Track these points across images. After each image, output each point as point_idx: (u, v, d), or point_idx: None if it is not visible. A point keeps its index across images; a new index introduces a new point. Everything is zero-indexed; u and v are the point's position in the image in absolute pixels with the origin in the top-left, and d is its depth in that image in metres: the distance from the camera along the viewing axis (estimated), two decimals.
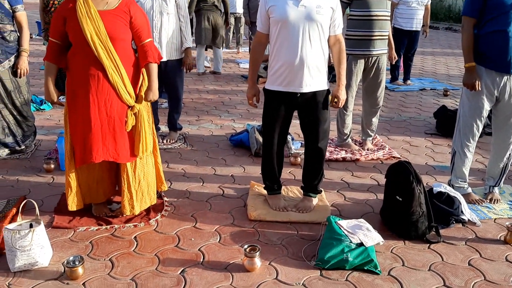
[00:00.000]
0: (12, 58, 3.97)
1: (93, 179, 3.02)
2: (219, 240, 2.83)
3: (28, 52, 4.06)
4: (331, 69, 3.29)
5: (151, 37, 2.94)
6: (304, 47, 2.85)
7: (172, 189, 3.46)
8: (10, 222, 2.83)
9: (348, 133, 4.44)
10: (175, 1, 4.16)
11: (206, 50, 8.55)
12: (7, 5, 3.88)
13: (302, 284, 2.42)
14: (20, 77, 4.05)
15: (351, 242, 2.60)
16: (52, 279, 2.42)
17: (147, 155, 3.02)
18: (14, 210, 3.03)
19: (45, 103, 5.68)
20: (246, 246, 2.57)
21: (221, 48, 8.12)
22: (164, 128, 4.84)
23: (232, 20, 10.03)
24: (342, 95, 3.05)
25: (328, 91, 3.05)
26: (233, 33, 11.05)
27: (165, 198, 3.35)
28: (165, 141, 4.53)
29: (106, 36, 2.73)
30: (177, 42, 4.26)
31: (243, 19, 10.27)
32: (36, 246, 2.46)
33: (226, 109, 5.96)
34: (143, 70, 2.95)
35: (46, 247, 2.53)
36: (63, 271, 2.47)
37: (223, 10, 7.93)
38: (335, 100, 3.06)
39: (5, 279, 2.41)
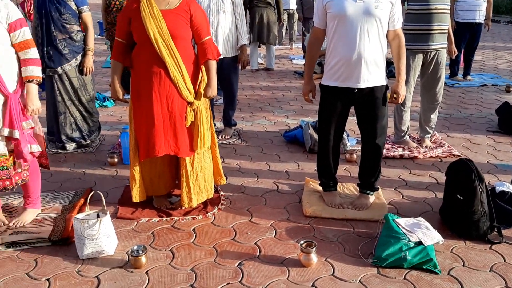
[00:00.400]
0: (79, 57, 4.18)
1: (155, 173, 3.14)
2: (275, 235, 2.87)
3: (93, 51, 4.26)
4: (387, 64, 3.24)
5: (210, 35, 3.01)
6: (362, 42, 2.83)
7: (227, 184, 3.53)
8: (78, 212, 3.01)
9: (406, 130, 4.35)
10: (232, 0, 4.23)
11: (259, 47, 8.61)
12: (74, 7, 4.09)
13: (359, 281, 2.41)
14: (86, 75, 4.26)
15: (409, 240, 2.56)
16: (117, 267, 2.54)
17: (205, 150, 3.10)
18: (81, 201, 3.22)
19: (108, 99, 5.95)
20: (302, 242, 2.59)
21: (274, 45, 8.15)
22: (219, 124, 4.94)
23: (285, 16, 10.03)
24: (402, 90, 3.00)
25: (386, 86, 3.01)
26: (286, 29, 11.05)
27: (221, 192, 3.43)
28: (220, 137, 4.62)
29: (168, 35, 2.83)
30: (233, 39, 4.33)
31: (296, 16, 10.25)
32: (102, 235, 2.59)
33: (279, 105, 5.99)
34: (202, 67, 3.03)
35: (112, 237, 2.66)
36: (127, 259, 2.60)
37: (276, 7, 7.96)
38: (395, 95, 3.02)
39: (75, 266, 2.56)
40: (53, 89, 4.17)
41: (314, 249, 2.53)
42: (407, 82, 4.01)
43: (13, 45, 2.73)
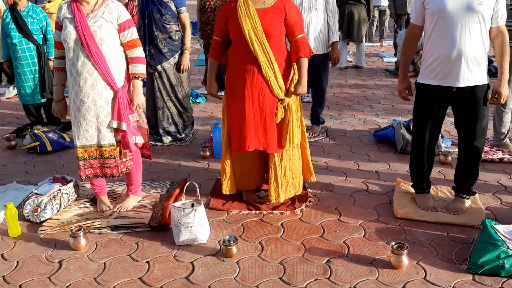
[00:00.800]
0: (177, 56, 4.41)
1: (245, 167, 3.24)
2: (364, 234, 2.84)
3: (190, 50, 4.47)
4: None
5: (304, 33, 3.04)
6: (463, 39, 2.71)
7: (315, 182, 3.53)
8: (174, 201, 3.20)
9: (506, 132, 4.08)
10: None
11: (348, 44, 8.49)
12: (173, 8, 4.33)
13: (453, 287, 2.32)
14: (182, 73, 4.49)
15: (508, 248, 2.42)
16: (210, 255, 2.67)
17: (294, 147, 3.14)
18: (177, 191, 3.41)
19: (200, 96, 6.21)
20: (393, 243, 2.54)
21: (364, 42, 7.98)
22: (307, 122, 4.95)
23: (375, 13, 9.79)
24: (504, 90, 2.82)
25: (487, 86, 2.85)
26: (377, 26, 10.78)
27: (309, 190, 3.45)
28: (307, 135, 4.63)
29: (262, 33, 2.90)
30: (324, 37, 4.33)
31: (387, 12, 9.96)
32: (197, 223, 2.73)
33: (369, 103, 5.88)
34: (294, 64, 3.07)
35: (205, 225, 2.80)
36: (219, 248, 2.71)
37: (366, 4, 7.79)
38: (496, 96, 2.85)
39: (171, 251, 2.73)
40: (153, 86, 4.45)
41: (405, 251, 2.47)
42: (509, 81, 3.75)
43: (121, 44, 2.96)
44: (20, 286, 2.44)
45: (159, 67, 4.34)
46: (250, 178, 3.29)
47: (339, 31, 7.61)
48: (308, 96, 5.66)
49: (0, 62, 6.52)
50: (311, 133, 4.67)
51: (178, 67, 4.45)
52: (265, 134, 3.03)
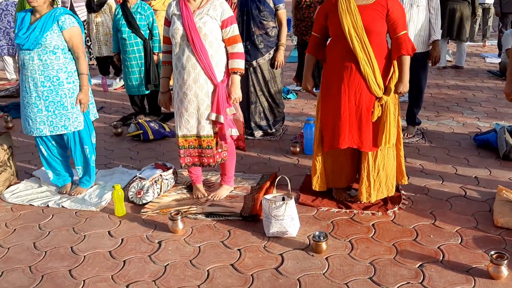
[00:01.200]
0: (272, 51, 4.49)
1: (337, 165, 3.23)
2: (461, 241, 2.71)
3: (285, 46, 4.53)
4: None
5: (406, 30, 2.96)
6: None
7: (409, 184, 3.43)
8: (265, 193, 3.28)
9: None
10: None
11: (448, 43, 8.06)
12: (271, 4, 4.41)
13: None
14: (276, 68, 4.56)
15: None
16: (299, 249, 2.71)
17: (389, 147, 3.07)
18: (268, 184, 3.49)
19: (291, 92, 6.27)
20: (492, 253, 2.41)
21: (466, 41, 7.54)
22: (402, 122, 4.80)
23: (479, 11, 9.19)
24: None
25: None
26: (479, 25, 10.12)
27: (403, 192, 3.36)
28: (402, 135, 4.50)
29: (362, 29, 2.87)
30: (424, 34, 4.17)
31: (492, 10, 9.33)
32: (287, 217, 2.78)
33: (469, 106, 5.56)
34: (394, 62, 3.00)
35: (295, 220, 2.84)
36: (308, 243, 2.74)
37: (470, 1, 7.34)
38: None
39: (261, 241, 2.80)
40: (247, 80, 4.56)
41: (506, 261, 2.34)
42: None
43: (223, 40, 3.08)
44: (124, 261, 2.65)
45: (254, 62, 4.45)
46: (342, 176, 3.27)
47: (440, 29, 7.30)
48: (403, 95, 5.48)
49: (110, 56, 7.07)
50: (406, 134, 4.53)
51: (272, 63, 4.53)
52: (359, 132, 3.00)
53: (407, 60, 2.93)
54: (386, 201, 3.20)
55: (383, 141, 2.99)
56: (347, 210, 3.14)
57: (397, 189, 3.35)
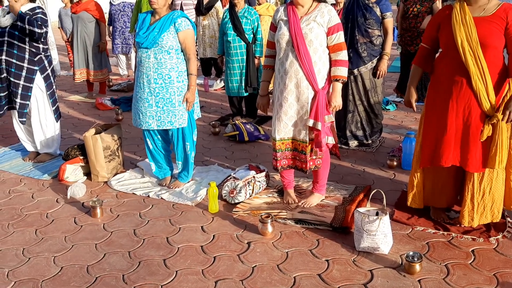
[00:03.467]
0: (375, 60, 4.38)
1: (438, 183, 3.07)
2: None
3: (389, 56, 4.39)
4: None
5: None
6: None
7: None
8: (357, 206, 3.20)
9: None
10: None
11: None
12: (378, 13, 4.30)
13: None
14: (378, 78, 4.44)
15: None
16: (390, 267, 2.61)
17: (499, 169, 2.85)
18: (361, 196, 3.41)
19: (390, 103, 6.06)
20: None
21: None
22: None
23: None
24: None
25: None
26: None
27: (509, 219, 3.10)
28: None
29: (477, 43, 2.69)
30: None
31: None
32: (380, 233, 2.69)
33: None
34: (511, 80, 2.78)
35: (388, 236, 2.74)
36: (401, 263, 2.63)
37: None
38: None
39: (351, 255, 2.74)
40: (347, 88, 4.49)
41: None
42: None
43: (327, 47, 3.06)
44: (214, 257, 2.74)
45: (355, 70, 4.37)
46: (442, 196, 3.10)
47: None
48: None
49: (213, 57, 7.36)
50: None
51: (374, 72, 4.42)
52: (466, 151, 2.82)
53: None
54: (489, 227, 2.98)
55: (496, 163, 2.78)
56: (445, 233, 2.96)
57: (503, 216, 3.10)
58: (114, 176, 3.90)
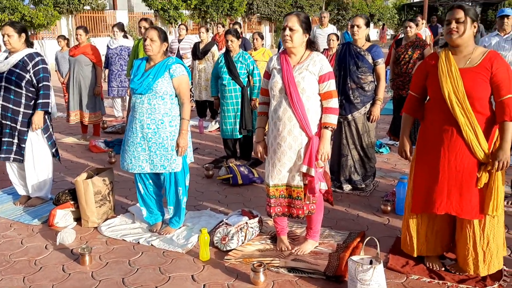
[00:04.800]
0: (368, 105, 4.43)
1: (431, 230, 3.04)
2: None
3: (382, 101, 4.45)
4: None
5: None
6: None
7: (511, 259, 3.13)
8: (351, 253, 3.15)
9: None
10: None
11: None
12: (370, 60, 4.37)
13: None
14: (372, 122, 4.48)
15: None
16: None
17: (500, 215, 2.83)
18: (355, 243, 3.36)
19: (384, 146, 6.09)
20: None
21: None
22: (506, 189, 4.43)
23: None
24: None
25: None
26: None
27: (504, 267, 3.05)
28: (505, 203, 4.14)
29: (463, 95, 2.73)
30: None
31: None
32: (374, 282, 2.64)
33: None
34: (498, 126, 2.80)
35: (382, 286, 2.68)
36: None
37: None
38: None
39: None
40: (341, 133, 4.52)
41: None
42: None
43: (319, 94, 3.10)
44: None
45: (349, 116, 4.41)
46: (437, 243, 3.07)
47: None
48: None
49: (208, 100, 7.44)
50: (509, 202, 4.16)
51: (368, 116, 4.46)
52: (459, 198, 2.82)
53: (510, 126, 2.72)
54: (485, 276, 2.92)
55: (490, 209, 2.77)
56: (440, 282, 2.91)
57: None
58: (104, 221, 3.85)
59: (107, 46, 7.85)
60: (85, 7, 19.23)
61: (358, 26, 4.32)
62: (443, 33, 2.88)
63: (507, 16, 4.83)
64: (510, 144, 2.76)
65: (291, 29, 3.01)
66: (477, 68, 2.75)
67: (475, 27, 2.78)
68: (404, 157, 3.08)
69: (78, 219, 3.88)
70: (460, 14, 2.73)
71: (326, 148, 3.07)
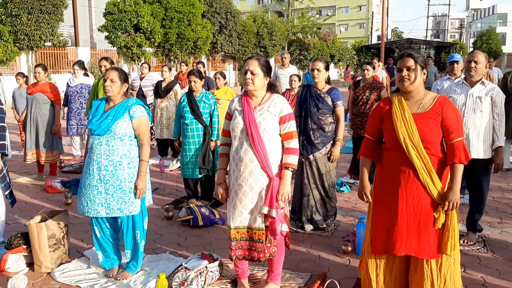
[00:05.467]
0: (328, 146, 4.51)
1: (390, 273, 3.04)
2: None
3: (342, 142, 4.53)
4: None
5: (462, 136, 2.88)
6: None
7: None
8: None
9: None
10: (491, 98, 4.01)
11: (511, 144, 7.78)
12: (330, 102, 4.49)
13: None
14: (332, 162, 4.54)
15: None
16: None
17: (455, 253, 2.89)
18: (316, 285, 3.34)
19: (344, 185, 6.17)
20: None
21: None
22: (461, 227, 4.55)
23: None
24: None
25: None
26: None
27: None
28: (461, 242, 4.24)
29: (418, 139, 2.81)
30: (487, 140, 4.05)
31: None
32: None
33: None
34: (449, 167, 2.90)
35: None
36: None
37: None
38: None
39: None
40: (302, 172, 4.56)
41: None
42: None
43: (280, 135, 3.13)
44: None
45: (311, 156, 4.47)
46: (396, 284, 3.07)
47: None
48: (463, 197, 5.24)
49: (170, 138, 7.40)
50: (466, 241, 4.26)
51: (328, 156, 4.52)
52: (417, 238, 2.86)
53: (459, 168, 2.82)
54: None
55: (448, 248, 2.82)
56: None
57: None
58: (58, 266, 3.68)
59: (67, 84, 7.73)
60: (46, 43, 19.00)
61: (318, 70, 4.45)
62: (395, 80, 2.99)
63: (457, 61, 5.10)
64: (459, 185, 2.86)
65: (252, 73, 3.07)
66: (428, 113, 2.86)
67: (424, 73, 2.91)
68: (364, 200, 3.10)
69: (30, 264, 3.70)
70: (411, 62, 2.86)
71: (287, 188, 3.08)
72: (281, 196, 3.07)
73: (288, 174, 3.10)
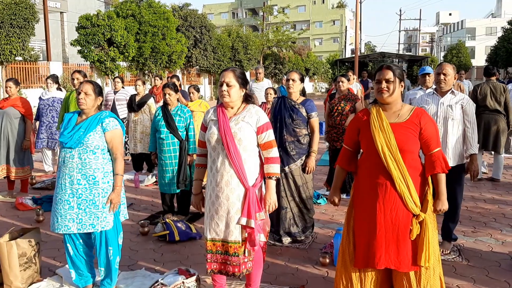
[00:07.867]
0: (304, 157, 4.52)
1: (369, 284, 3.04)
2: None
3: (316, 153, 4.56)
4: None
5: (440, 147, 2.93)
6: None
7: None
8: None
9: None
10: (462, 107, 4.10)
11: (482, 154, 7.96)
12: (304, 113, 4.52)
13: None
14: (307, 174, 4.55)
15: None
16: None
17: (435, 265, 2.90)
18: None
19: (321, 197, 6.18)
20: None
21: (502, 154, 7.44)
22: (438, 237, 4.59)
23: None
24: None
25: None
26: None
27: None
28: (440, 252, 4.28)
29: (396, 148, 2.84)
30: (460, 147, 4.14)
31: None
32: None
33: (508, 222, 5.31)
34: (429, 178, 2.93)
35: None
36: None
37: (506, 114, 7.35)
38: None
39: None
40: (279, 185, 4.54)
41: None
42: None
43: (258, 145, 3.12)
44: None
45: (286, 168, 4.47)
46: None
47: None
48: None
49: (144, 153, 7.30)
50: (441, 250, 4.30)
51: (303, 168, 4.53)
52: (397, 252, 2.86)
53: (443, 178, 2.87)
54: None
55: (422, 260, 2.82)
56: None
57: None
58: (29, 286, 3.55)
59: (39, 97, 7.58)
60: (16, 58, 18.63)
61: (293, 80, 4.49)
62: (373, 91, 3.03)
63: (428, 74, 5.22)
64: (446, 195, 2.89)
65: (228, 85, 3.06)
66: (406, 124, 2.89)
67: (402, 86, 2.95)
68: (333, 204, 3.16)
69: (0, 284, 3.55)
70: (390, 75, 2.89)
71: (273, 197, 3.08)
72: (268, 206, 3.05)
73: (272, 184, 3.09)
